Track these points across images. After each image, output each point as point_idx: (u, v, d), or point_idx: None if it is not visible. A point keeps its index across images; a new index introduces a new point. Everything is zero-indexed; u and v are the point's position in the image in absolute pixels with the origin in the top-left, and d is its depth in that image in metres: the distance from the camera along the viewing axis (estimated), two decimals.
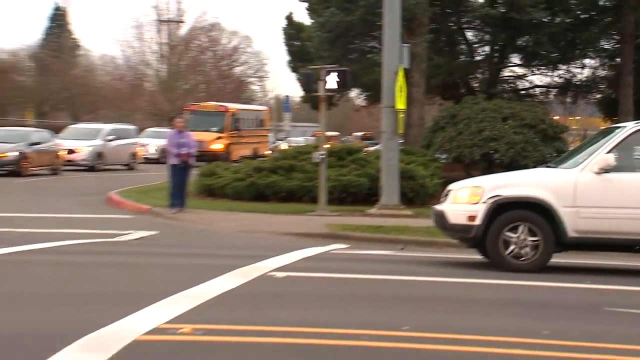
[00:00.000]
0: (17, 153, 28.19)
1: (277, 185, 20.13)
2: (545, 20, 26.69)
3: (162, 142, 39.15)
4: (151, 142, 39.34)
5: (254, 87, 72.14)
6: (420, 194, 19.81)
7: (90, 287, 8.70)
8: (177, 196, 17.80)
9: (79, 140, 33.31)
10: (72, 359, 5.52)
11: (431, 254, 12.78)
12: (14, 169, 27.93)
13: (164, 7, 59.00)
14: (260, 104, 58.66)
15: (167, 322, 6.69)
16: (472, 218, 10.71)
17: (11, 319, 6.92)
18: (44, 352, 5.57)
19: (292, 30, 42.57)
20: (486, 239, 10.72)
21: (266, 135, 45.95)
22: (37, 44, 58.61)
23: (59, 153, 30.92)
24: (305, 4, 33.03)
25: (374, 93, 29.54)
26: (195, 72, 61.54)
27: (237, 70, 67.68)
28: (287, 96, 45.45)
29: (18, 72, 52.94)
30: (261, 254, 11.28)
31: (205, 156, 30.02)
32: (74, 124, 41.47)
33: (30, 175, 28.09)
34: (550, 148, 22.39)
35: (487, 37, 29.27)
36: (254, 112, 46.04)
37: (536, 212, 10.63)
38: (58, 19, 62.79)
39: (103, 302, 7.70)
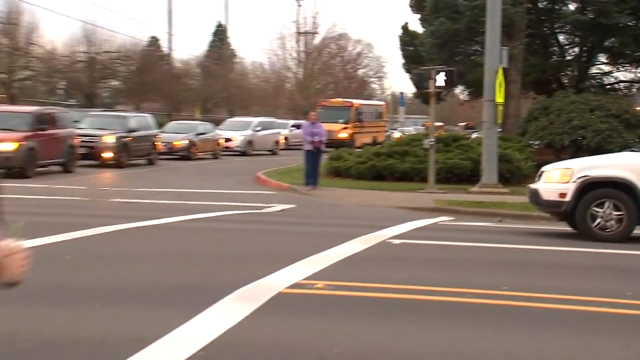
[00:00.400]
0: (187, 141, 29.17)
1: (393, 167, 19.97)
2: (630, 24, 25.25)
3: (285, 132, 39.57)
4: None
5: (374, 85, 71.92)
6: (515, 175, 19.22)
7: (242, 249, 8.90)
8: (311, 176, 17.93)
9: (234, 131, 34.09)
10: (231, 306, 5.66)
11: (525, 225, 12.37)
12: (185, 154, 28.89)
13: (302, 22, 59.63)
14: (379, 100, 58.26)
15: (305, 279, 6.76)
16: (563, 195, 10.38)
17: (183, 273, 7.18)
18: (210, 299, 5.75)
19: (407, 37, 41.89)
20: (575, 213, 10.37)
21: (384, 126, 45.64)
22: (203, 54, 60.39)
23: (218, 141, 31.79)
24: (418, 15, 32.60)
25: (476, 89, 28.78)
26: (326, 74, 61.88)
27: (360, 72, 67.58)
28: (401, 93, 45.02)
29: (189, 77, 54.67)
30: (380, 224, 11.24)
31: (334, 143, 30.10)
32: (230, 117, 42.52)
33: (197, 159, 29.01)
34: (633, 135, 21.21)
35: (577, 39, 28.02)
36: (373, 106, 45.75)
37: (620, 190, 10.20)
38: (220, 34, 64.39)
39: (253, 261, 7.86)
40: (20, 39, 41.68)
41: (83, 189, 16.70)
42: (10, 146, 18.28)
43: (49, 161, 20.20)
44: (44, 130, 19.53)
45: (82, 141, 22.39)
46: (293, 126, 39.83)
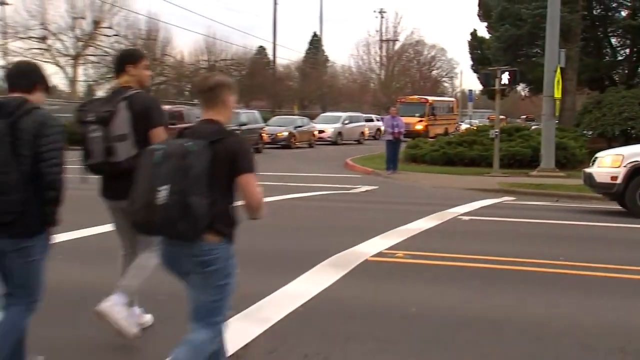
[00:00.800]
0: (287, 133, 29.50)
1: (462, 154, 19.54)
2: None
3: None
4: None
5: (446, 84, 70.27)
6: (571, 161, 18.41)
7: (334, 223, 8.96)
8: (391, 162, 17.78)
9: (326, 124, 34.20)
10: (325, 271, 5.72)
11: (580, 205, 11.84)
12: (285, 144, 29.21)
13: (384, 31, 59.11)
14: (450, 96, 56.95)
15: (387, 249, 6.75)
16: (614, 178, 9.94)
17: (285, 243, 7.31)
18: (307, 265, 5.84)
19: (475, 42, 40.72)
20: (625, 194, 9.91)
21: (454, 119, 44.61)
22: (301, 60, 60.80)
23: (313, 133, 31.97)
24: (485, 23, 31.72)
25: (536, 86, 27.75)
26: (405, 75, 61.06)
27: (434, 72, 66.17)
28: (470, 90, 43.84)
29: (289, 79, 55.23)
30: (451, 202, 11.05)
31: (411, 134, 29.71)
32: (323, 112, 42.69)
33: (295, 148, 29.32)
34: None
35: (627, 42, 26.51)
36: (445, 102, 44.76)
37: None
38: (315, 42, 64.61)
39: (343, 233, 7.89)
40: (157, 51, 43.44)
41: None
42: None
43: None
44: (174, 125, 20.33)
45: None
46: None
